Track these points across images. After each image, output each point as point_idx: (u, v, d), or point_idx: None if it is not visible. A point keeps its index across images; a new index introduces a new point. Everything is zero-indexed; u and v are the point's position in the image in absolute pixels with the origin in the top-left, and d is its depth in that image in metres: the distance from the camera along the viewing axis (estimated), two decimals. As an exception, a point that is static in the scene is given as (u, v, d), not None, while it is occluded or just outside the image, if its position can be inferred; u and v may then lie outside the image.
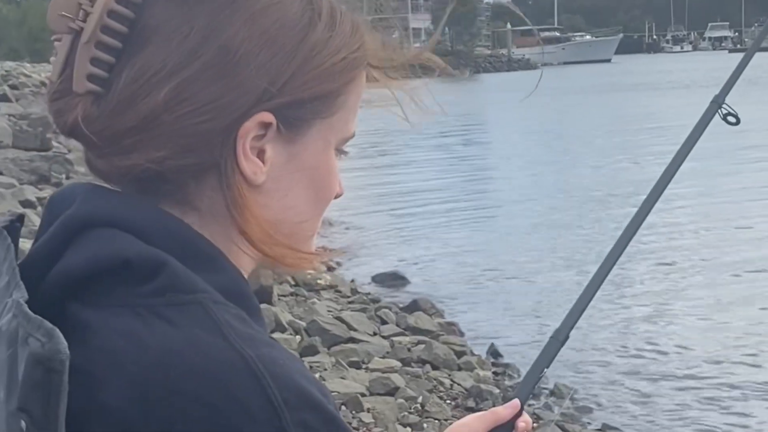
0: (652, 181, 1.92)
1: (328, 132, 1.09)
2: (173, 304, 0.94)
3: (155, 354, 0.91)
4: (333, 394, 6.56)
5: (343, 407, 6.67)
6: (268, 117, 1.02)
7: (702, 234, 14.45)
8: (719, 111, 2.03)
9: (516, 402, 1.58)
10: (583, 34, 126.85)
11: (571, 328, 1.71)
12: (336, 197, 1.16)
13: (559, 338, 1.70)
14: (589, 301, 1.74)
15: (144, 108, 0.99)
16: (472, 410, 6.95)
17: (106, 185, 1.05)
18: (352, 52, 1.08)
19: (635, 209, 1.87)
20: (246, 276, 1.08)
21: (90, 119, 1.00)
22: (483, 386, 7.89)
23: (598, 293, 1.76)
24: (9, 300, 0.97)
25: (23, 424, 0.89)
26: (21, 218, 1.10)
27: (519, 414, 1.58)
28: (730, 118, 2.05)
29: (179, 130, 1.00)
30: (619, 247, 1.82)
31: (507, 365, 8.97)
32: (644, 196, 1.88)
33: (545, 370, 1.67)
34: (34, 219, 7.85)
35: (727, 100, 2.07)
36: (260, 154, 1.04)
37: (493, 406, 1.62)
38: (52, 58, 1.03)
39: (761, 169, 19.77)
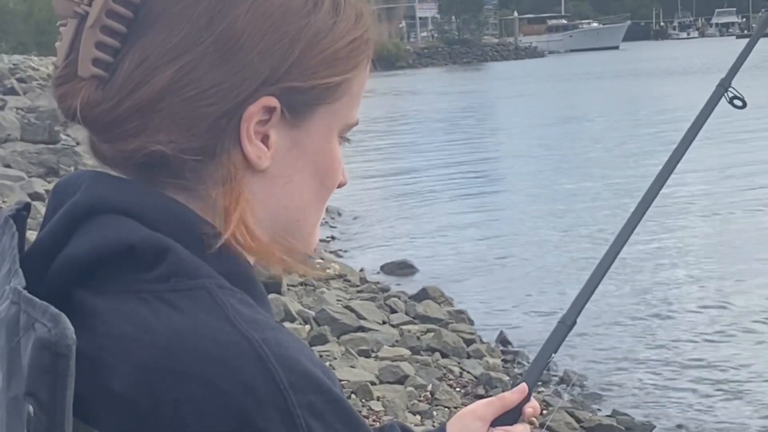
0: (661, 165, 1.92)
1: (332, 118, 1.10)
2: (178, 290, 0.95)
3: (162, 339, 0.91)
4: (343, 382, 6.60)
5: (353, 396, 6.69)
6: (272, 101, 1.03)
7: (713, 216, 14.45)
8: (725, 94, 2.03)
9: (524, 386, 1.58)
10: (590, 21, 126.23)
11: (579, 312, 1.71)
12: (339, 186, 1.16)
13: (567, 323, 1.70)
14: (597, 286, 1.74)
15: (147, 91, 0.99)
16: (481, 398, 6.95)
17: (111, 172, 1.05)
18: (356, 38, 1.09)
19: (643, 193, 1.87)
20: (251, 263, 1.08)
21: (94, 103, 1.00)
22: (492, 374, 7.90)
23: (607, 278, 1.76)
24: (7, 287, 0.98)
25: (30, 409, 0.89)
26: (27, 207, 1.11)
27: (527, 399, 1.58)
28: (737, 102, 2.04)
29: (182, 114, 1.00)
30: (626, 232, 1.82)
31: (516, 352, 8.98)
32: (652, 180, 1.88)
33: (553, 355, 1.67)
34: (42, 211, 7.87)
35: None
36: (264, 139, 1.04)
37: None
38: (57, 44, 1.03)
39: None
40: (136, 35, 1.00)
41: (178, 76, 0.99)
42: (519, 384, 1.59)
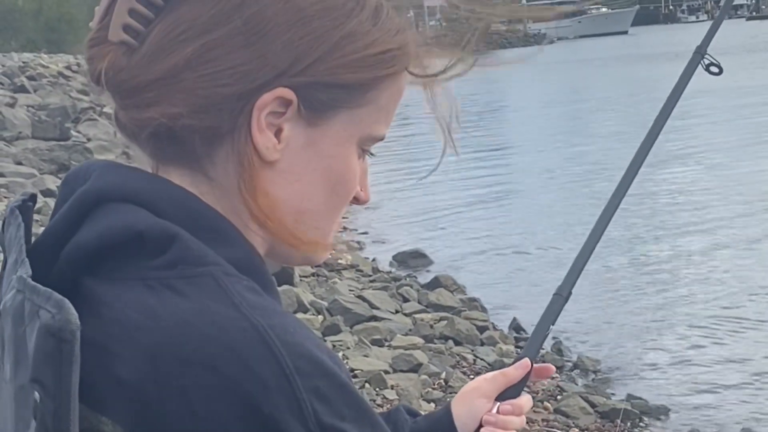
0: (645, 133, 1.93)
1: (353, 125, 1.09)
2: (185, 277, 0.95)
3: (167, 326, 0.92)
4: (356, 372, 6.60)
5: (367, 384, 6.70)
6: (288, 93, 1.03)
7: (703, 182, 14.45)
8: (702, 61, 2.03)
9: (526, 361, 1.60)
10: (599, 6, 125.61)
11: (574, 283, 1.73)
12: (360, 203, 1.16)
13: (563, 294, 1.71)
14: (589, 257, 1.75)
15: (168, 63, 1.01)
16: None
17: (121, 162, 1.06)
18: (390, 50, 1.09)
19: (629, 162, 1.88)
20: (260, 252, 1.09)
21: (117, 69, 1.02)
22: (506, 360, 7.88)
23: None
24: (14, 276, 0.99)
25: (36, 395, 0.90)
26: (33, 198, 1.12)
27: (530, 373, 1.59)
28: (713, 68, 2.05)
29: (198, 90, 1.01)
30: (614, 202, 1.83)
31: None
32: (636, 148, 1.89)
33: (551, 327, 1.69)
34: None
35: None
36: (278, 132, 1.05)
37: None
38: (96, 7, 1.05)
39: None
40: (170, 7, 1.02)
41: (200, 52, 1.01)
42: (521, 359, 1.60)
